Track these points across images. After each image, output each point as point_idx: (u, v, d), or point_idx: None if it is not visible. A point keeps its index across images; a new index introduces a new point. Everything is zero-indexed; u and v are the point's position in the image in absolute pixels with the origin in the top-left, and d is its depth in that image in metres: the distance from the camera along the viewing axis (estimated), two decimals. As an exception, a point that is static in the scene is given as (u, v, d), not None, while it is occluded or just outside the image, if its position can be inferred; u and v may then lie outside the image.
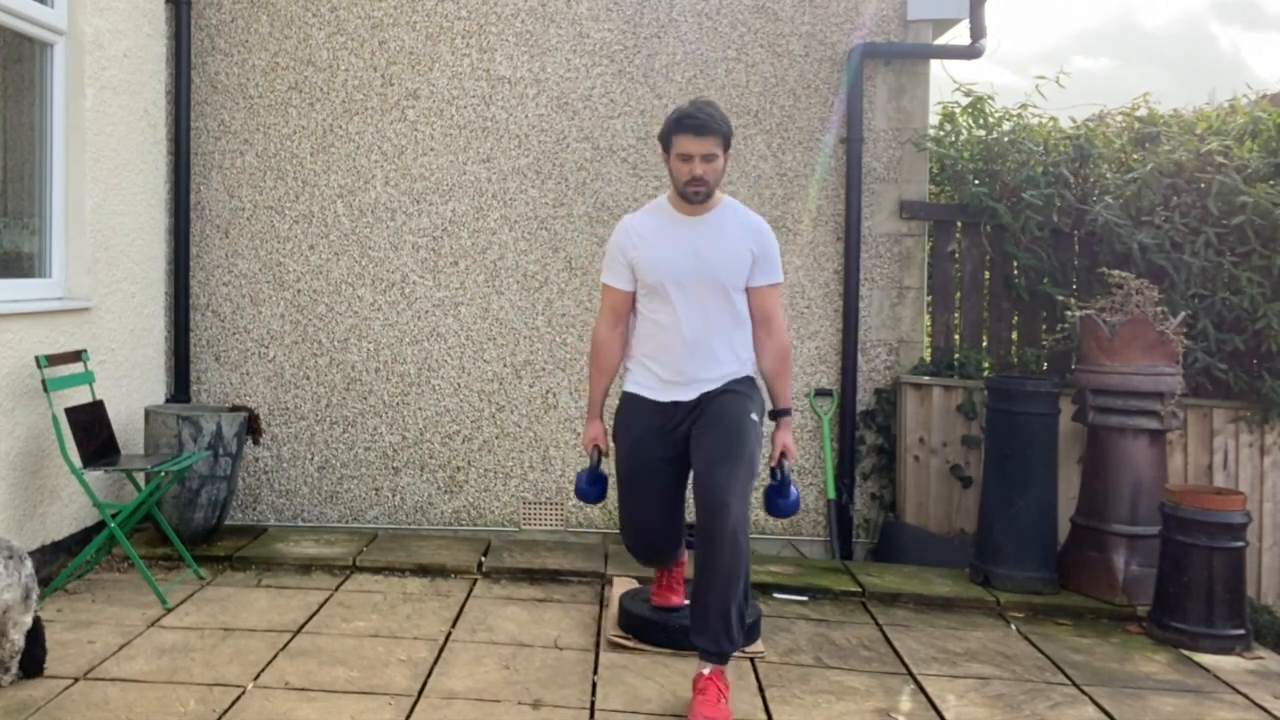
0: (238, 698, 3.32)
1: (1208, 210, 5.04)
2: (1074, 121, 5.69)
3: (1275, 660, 4.14)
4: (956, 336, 5.75)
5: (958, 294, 5.75)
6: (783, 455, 3.60)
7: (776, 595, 4.61)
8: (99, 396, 4.58)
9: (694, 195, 3.49)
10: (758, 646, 3.90)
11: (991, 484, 4.80)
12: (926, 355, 5.70)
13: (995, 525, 4.74)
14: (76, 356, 4.48)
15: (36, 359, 4.21)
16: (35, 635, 3.35)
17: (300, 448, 5.59)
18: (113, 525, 4.21)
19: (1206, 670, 3.97)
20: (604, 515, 5.58)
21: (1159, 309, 4.65)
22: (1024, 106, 5.79)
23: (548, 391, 5.58)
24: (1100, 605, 4.56)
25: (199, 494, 4.88)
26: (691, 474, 3.53)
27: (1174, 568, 4.22)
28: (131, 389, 5.15)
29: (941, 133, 5.92)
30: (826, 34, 5.59)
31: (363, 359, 5.58)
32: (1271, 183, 5.00)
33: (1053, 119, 5.72)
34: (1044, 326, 5.64)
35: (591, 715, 3.32)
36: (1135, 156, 5.43)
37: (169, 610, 4.14)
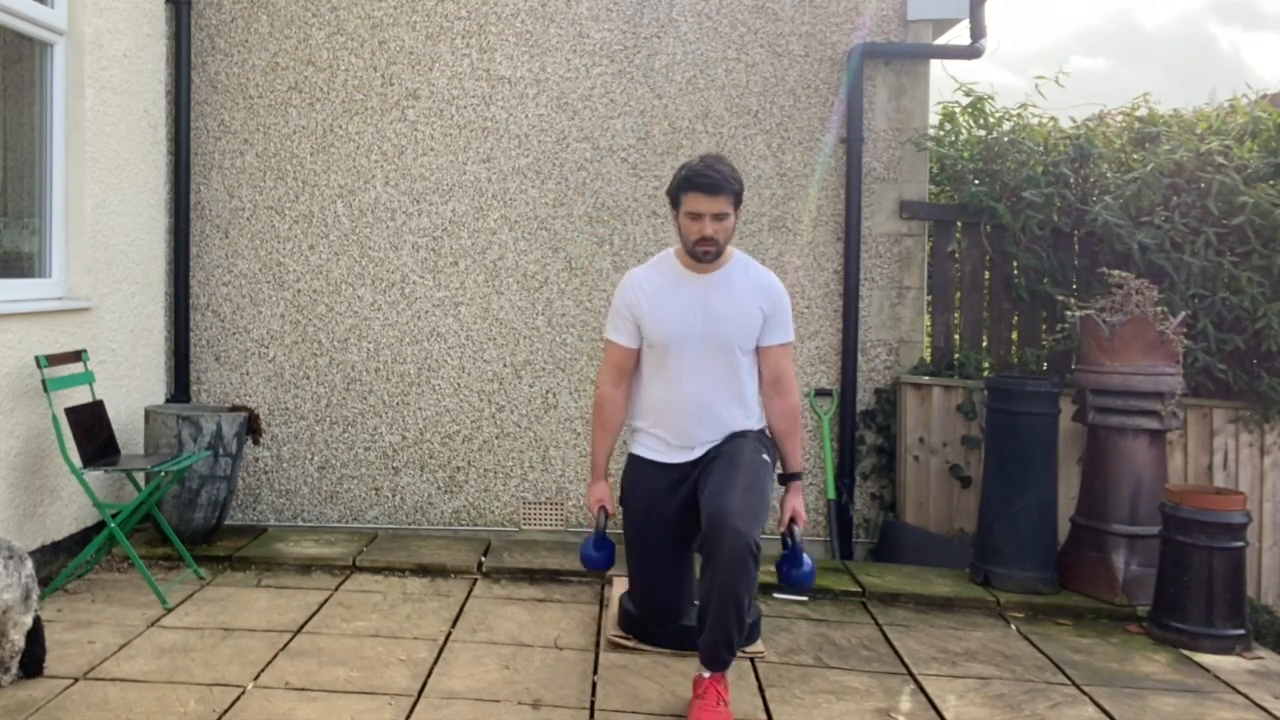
0: (238, 698, 3.32)
1: (1208, 210, 5.04)
2: (1074, 121, 5.70)
3: (1275, 660, 4.14)
4: (956, 336, 5.75)
5: (958, 294, 5.75)
6: (792, 521, 3.47)
7: (776, 595, 4.61)
8: (99, 396, 4.58)
9: (704, 255, 3.39)
10: (758, 646, 3.90)
11: (991, 484, 4.80)
12: (926, 355, 5.70)
13: (995, 525, 4.74)
14: (76, 356, 4.48)
15: (36, 359, 4.21)
16: (35, 635, 3.35)
17: (300, 448, 5.59)
18: (113, 525, 4.21)
19: (1206, 670, 3.97)
20: (604, 515, 5.58)
21: (1159, 309, 4.65)
22: (1024, 106, 5.79)
23: (548, 391, 5.58)
24: (1100, 605, 4.56)
25: (199, 494, 4.88)
26: (700, 504, 3.38)
27: (1174, 568, 4.22)
28: (131, 389, 5.15)
29: (941, 132, 5.92)
30: (826, 34, 5.59)
31: (363, 359, 5.58)
32: (1271, 183, 5.00)
33: (1053, 119, 5.72)
34: (1044, 326, 5.64)
35: (591, 715, 3.32)
36: (1135, 156, 5.43)
37: (169, 610, 4.14)
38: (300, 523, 5.59)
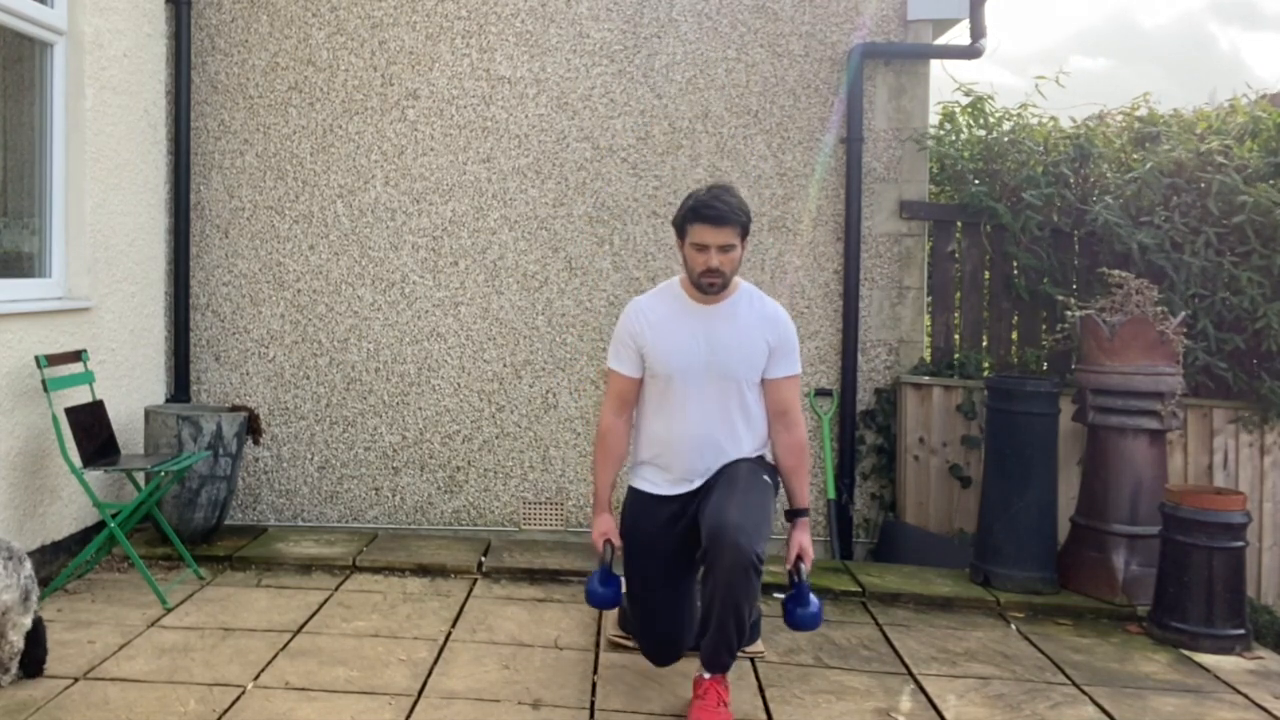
0: (238, 698, 3.32)
1: (1208, 210, 5.04)
2: (1074, 121, 5.69)
3: (1275, 660, 4.14)
4: (956, 336, 5.75)
5: (958, 294, 5.75)
6: (799, 559, 3.38)
7: (776, 595, 4.60)
8: (99, 396, 4.58)
9: (709, 287, 3.33)
10: (758, 646, 3.90)
11: (991, 484, 4.80)
12: (926, 355, 5.70)
13: (995, 525, 4.74)
14: (76, 356, 4.48)
15: (36, 359, 4.21)
16: (36, 636, 3.35)
17: (300, 448, 5.59)
18: (113, 525, 4.21)
19: (1206, 670, 3.97)
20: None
21: (1159, 309, 4.65)
22: (1024, 106, 5.79)
23: (548, 391, 5.58)
24: (1100, 605, 4.56)
25: (199, 494, 4.88)
26: (700, 519, 3.31)
27: (1174, 568, 4.22)
28: (131, 389, 5.15)
29: (941, 132, 5.92)
30: (826, 34, 5.59)
31: (363, 359, 5.58)
32: (1271, 182, 5.00)
33: (1053, 119, 5.72)
34: (1044, 326, 5.64)
35: (591, 715, 3.32)
36: (1135, 156, 5.43)
37: (169, 610, 4.14)
38: (300, 523, 5.59)
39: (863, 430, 5.61)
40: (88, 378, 4.51)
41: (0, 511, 4.12)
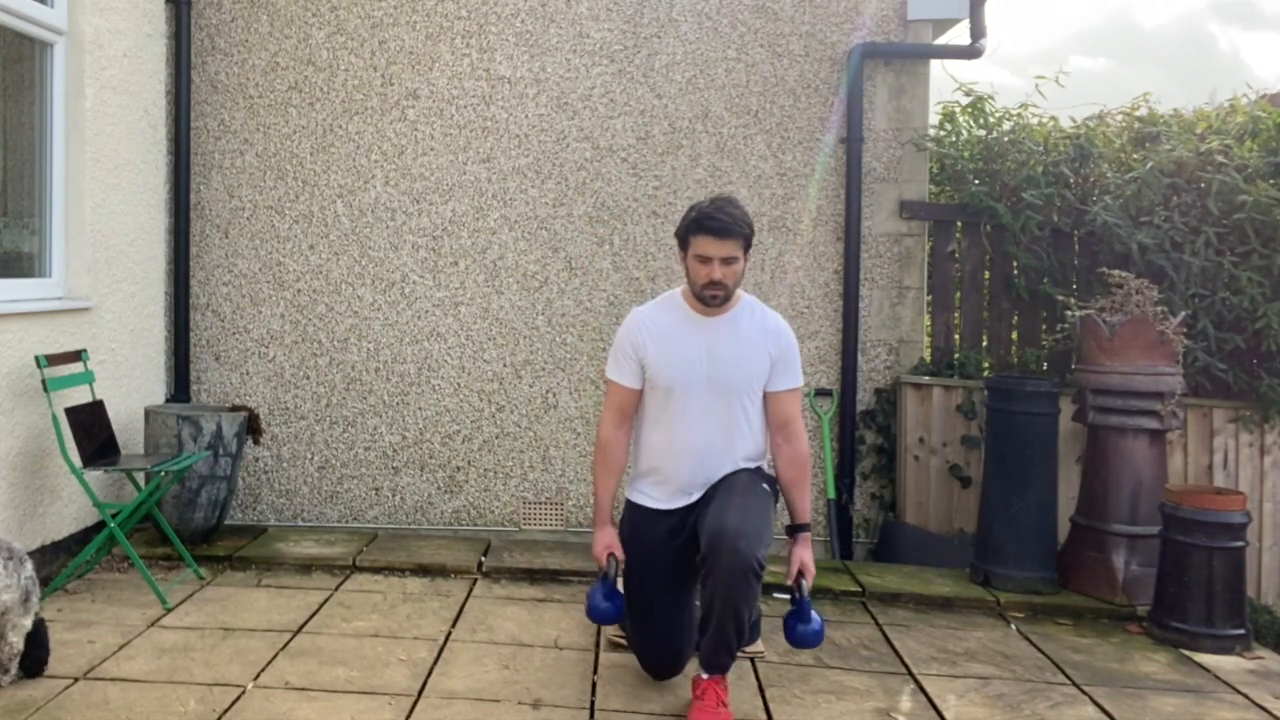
0: (238, 698, 3.32)
1: (1208, 210, 5.04)
2: (1074, 121, 5.69)
3: (1275, 660, 4.14)
4: (956, 336, 5.75)
5: (958, 294, 5.75)
6: (800, 574, 3.34)
7: (776, 595, 4.60)
8: (99, 396, 4.58)
9: (712, 300, 3.32)
10: (758, 646, 3.89)
11: (991, 484, 4.80)
12: (926, 355, 5.70)
13: (995, 525, 4.74)
14: (76, 356, 4.48)
15: (36, 359, 4.21)
16: (37, 638, 3.35)
17: (300, 447, 5.59)
18: (113, 525, 4.21)
19: (1206, 670, 3.97)
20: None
21: (1159, 309, 4.65)
22: (1024, 106, 5.79)
23: (548, 391, 5.58)
24: (1100, 605, 4.56)
25: (199, 494, 4.88)
26: (700, 526, 3.31)
27: (1174, 568, 4.22)
28: (131, 389, 5.15)
29: (941, 132, 5.91)
30: (826, 34, 5.59)
31: (363, 359, 5.58)
32: (1271, 182, 5.00)
33: (1053, 119, 5.71)
34: (1044, 326, 5.64)
35: (591, 715, 3.32)
36: (1135, 156, 5.42)
37: (169, 610, 4.14)
38: (300, 522, 5.59)
39: (863, 430, 5.61)
40: (88, 378, 4.51)
41: (0, 511, 4.12)
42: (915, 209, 5.61)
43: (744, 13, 5.57)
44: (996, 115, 5.82)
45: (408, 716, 3.24)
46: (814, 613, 3.36)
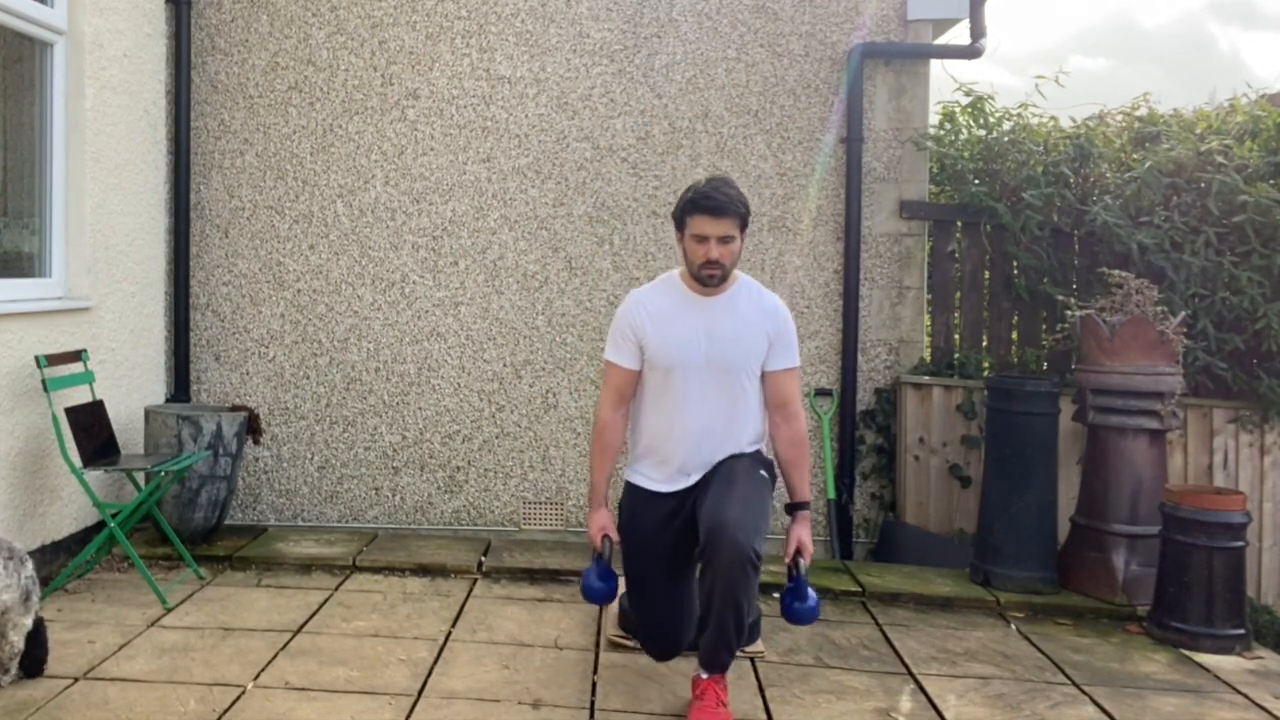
0: (238, 697, 3.32)
1: (1207, 210, 5.04)
2: (1074, 121, 5.69)
3: (1275, 660, 4.14)
4: (956, 336, 5.75)
5: (958, 294, 5.75)
6: (798, 553, 3.35)
7: (777, 595, 4.61)
8: (99, 396, 4.58)
9: (709, 279, 3.33)
10: (758, 646, 3.90)
11: (991, 484, 4.80)
12: (926, 355, 5.70)
13: (995, 525, 4.74)
14: (76, 356, 4.48)
15: (36, 359, 4.21)
16: (37, 637, 3.35)
17: (300, 447, 5.59)
18: (113, 525, 4.21)
19: (1206, 670, 3.97)
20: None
21: (1159, 309, 4.65)
22: (1024, 106, 5.79)
23: (548, 391, 5.58)
24: (1100, 605, 4.56)
25: (199, 494, 4.88)
26: (698, 516, 3.31)
27: (1174, 568, 4.22)
28: (131, 389, 5.15)
29: (941, 132, 5.91)
30: (826, 33, 5.59)
31: (363, 359, 5.58)
32: (1271, 182, 5.00)
33: (1053, 119, 5.72)
34: (1044, 326, 5.64)
35: (591, 715, 3.32)
36: (1135, 156, 5.42)
37: (169, 610, 4.14)
38: (300, 522, 5.59)
39: (863, 430, 5.61)
40: (88, 378, 4.51)
41: (0, 511, 4.12)
42: (915, 209, 5.61)
43: (744, 13, 5.57)
44: (996, 115, 5.82)
45: (408, 716, 3.24)
46: (810, 590, 3.38)
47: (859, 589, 4.69)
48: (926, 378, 5.50)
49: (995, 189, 5.57)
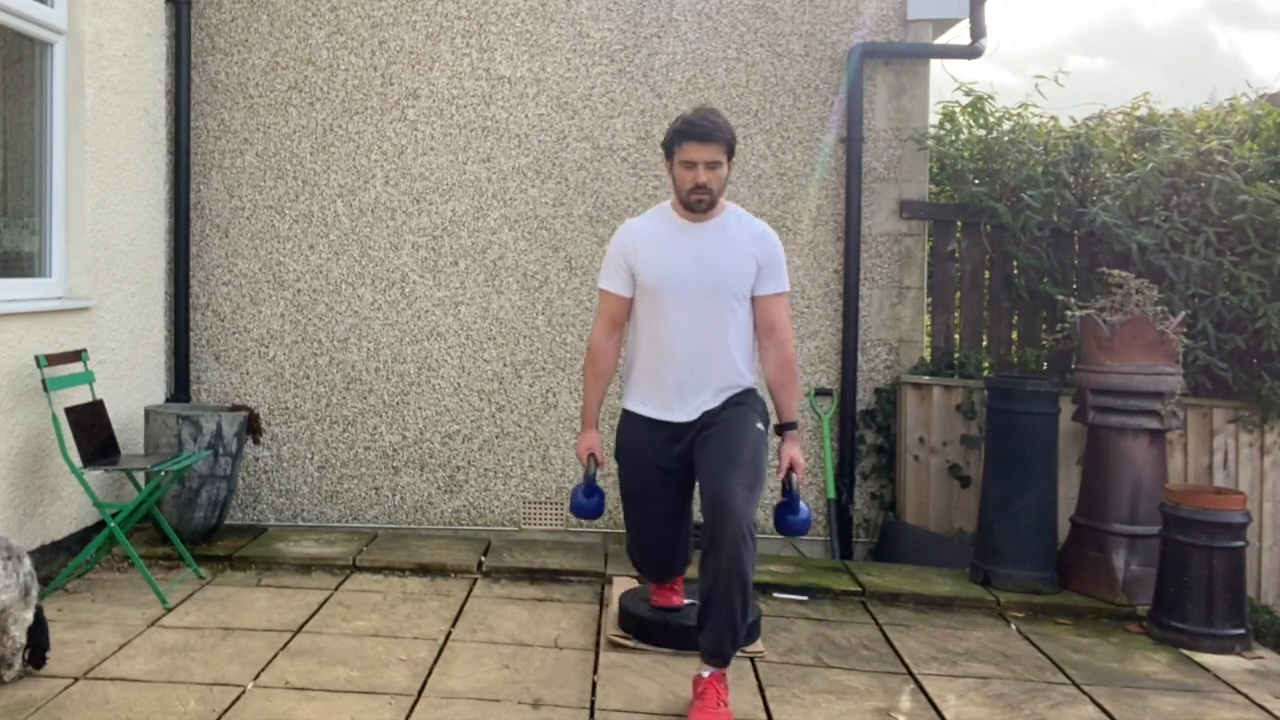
0: (238, 697, 3.32)
1: (1207, 209, 5.04)
2: (1074, 121, 5.69)
3: (1275, 660, 4.14)
4: (956, 336, 5.75)
5: (958, 294, 5.75)
6: (791, 469, 3.50)
7: (776, 595, 4.61)
8: (99, 396, 4.58)
9: (697, 204, 3.43)
10: (758, 646, 3.90)
11: (991, 484, 4.80)
12: (926, 355, 5.70)
13: (995, 525, 4.74)
14: (76, 356, 4.48)
15: (36, 359, 4.21)
16: (38, 625, 3.37)
17: (300, 447, 5.59)
18: (113, 525, 4.21)
19: (1206, 670, 3.97)
20: (604, 515, 5.57)
21: (1159, 309, 4.65)
22: (1024, 106, 5.79)
23: (548, 391, 5.58)
24: (1100, 605, 4.56)
25: (199, 493, 4.88)
26: (697, 483, 3.44)
27: (1174, 567, 4.22)
28: (131, 389, 5.15)
29: (941, 132, 5.92)
30: (826, 33, 5.59)
31: (363, 358, 5.58)
32: (1271, 181, 5.00)
33: (1053, 119, 5.72)
34: (1044, 326, 5.64)
35: (591, 715, 3.32)
36: (1135, 156, 5.43)
37: (169, 610, 4.14)
38: (300, 522, 5.59)
39: (863, 430, 5.61)
40: (88, 377, 4.51)
41: (1, 511, 4.12)
42: (915, 209, 5.61)
43: (744, 12, 5.58)
44: (996, 115, 5.82)
45: (408, 716, 3.24)
46: (803, 504, 3.52)
47: (859, 589, 4.69)
48: (926, 377, 5.50)
49: (995, 189, 5.57)
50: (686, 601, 3.99)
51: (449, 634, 4.01)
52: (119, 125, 4.97)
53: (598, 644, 3.96)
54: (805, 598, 4.61)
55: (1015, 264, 5.56)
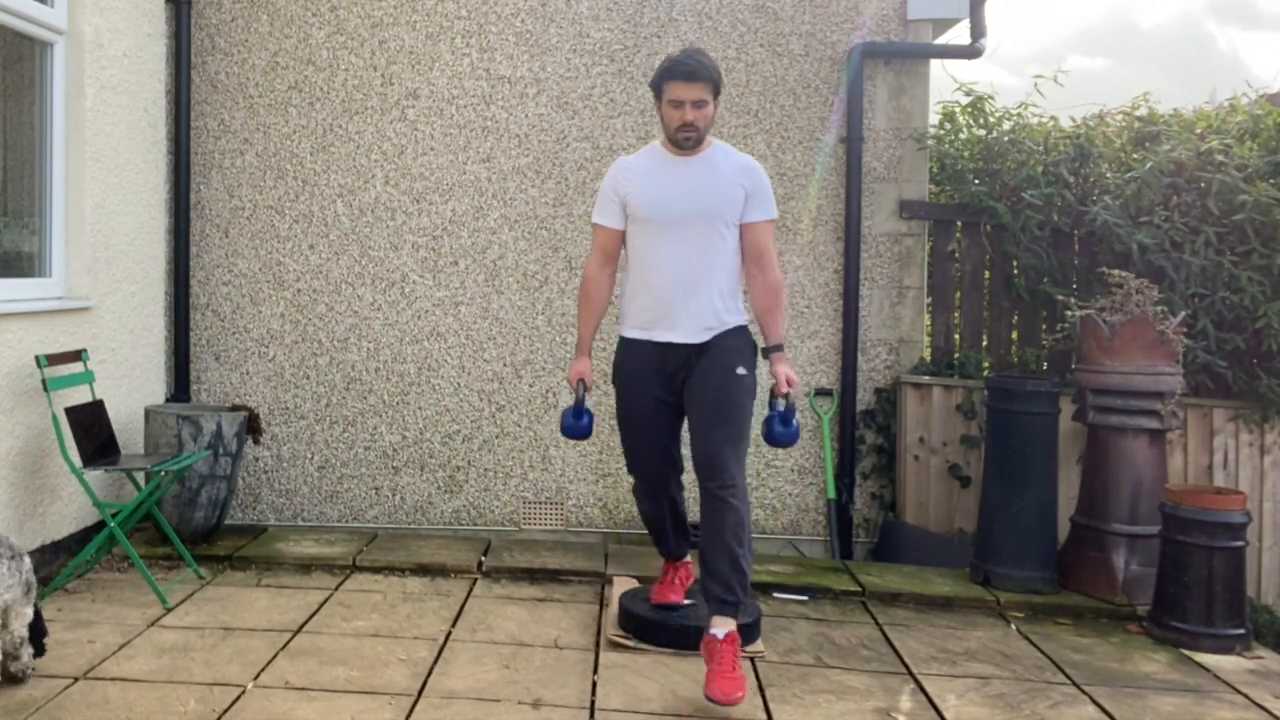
0: (238, 697, 3.32)
1: (1207, 209, 5.04)
2: (1074, 121, 5.69)
3: (1275, 660, 4.14)
4: (956, 336, 5.75)
5: (958, 294, 5.75)
6: (788, 384, 3.61)
7: (777, 595, 4.61)
8: (99, 396, 4.58)
9: (685, 141, 3.58)
10: (758, 646, 3.90)
11: (991, 484, 4.80)
12: (926, 355, 5.70)
13: (995, 525, 4.74)
14: (76, 356, 4.48)
15: (36, 358, 4.21)
16: (36, 620, 3.38)
17: (300, 447, 5.59)
18: (113, 525, 4.21)
19: (1206, 670, 3.97)
20: (604, 515, 5.58)
21: (1159, 309, 4.65)
22: (1024, 106, 5.79)
23: (548, 391, 5.58)
24: (1100, 605, 4.56)
25: (199, 493, 4.88)
26: (688, 438, 3.61)
27: (1174, 567, 4.22)
28: (131, 389, 5.15)
29: (941, 132, 5.92)
30: (826, 33, 5.59)
31: (363, 358, 5.58)
32: (1271, 181, 5.00)
33: (1053, 118, 5.71)
34: (1044, 326, 5.64)
35: (591, 715, 3.32)
36: (1135, 156, 5.42)
37: (169, 610, 4.14)
38: (300, 522, 5.59)
39: (863, 430, 5.61)
40: (88, 377, 4.51)
41: (1, 511, 4.12)
42: (915, 209, 5.61)
43: (744, 12, 5.58)
44: (996, 115, 5.82)
45: (408, 716, 3.24)
46: (795, 419, 3.62)
47: (859, 589, 4.69)
48: (926, 377, 5.50)
49: (995, 189, 5.57)
50: (687, 601, 4.00)
51: (449, 634, 4.01)
52: (119, 125, 4.97)
53: (598, 644, 3.95)
54: (805, 598, 4.61)
55: (1015, 264, 5.56)
